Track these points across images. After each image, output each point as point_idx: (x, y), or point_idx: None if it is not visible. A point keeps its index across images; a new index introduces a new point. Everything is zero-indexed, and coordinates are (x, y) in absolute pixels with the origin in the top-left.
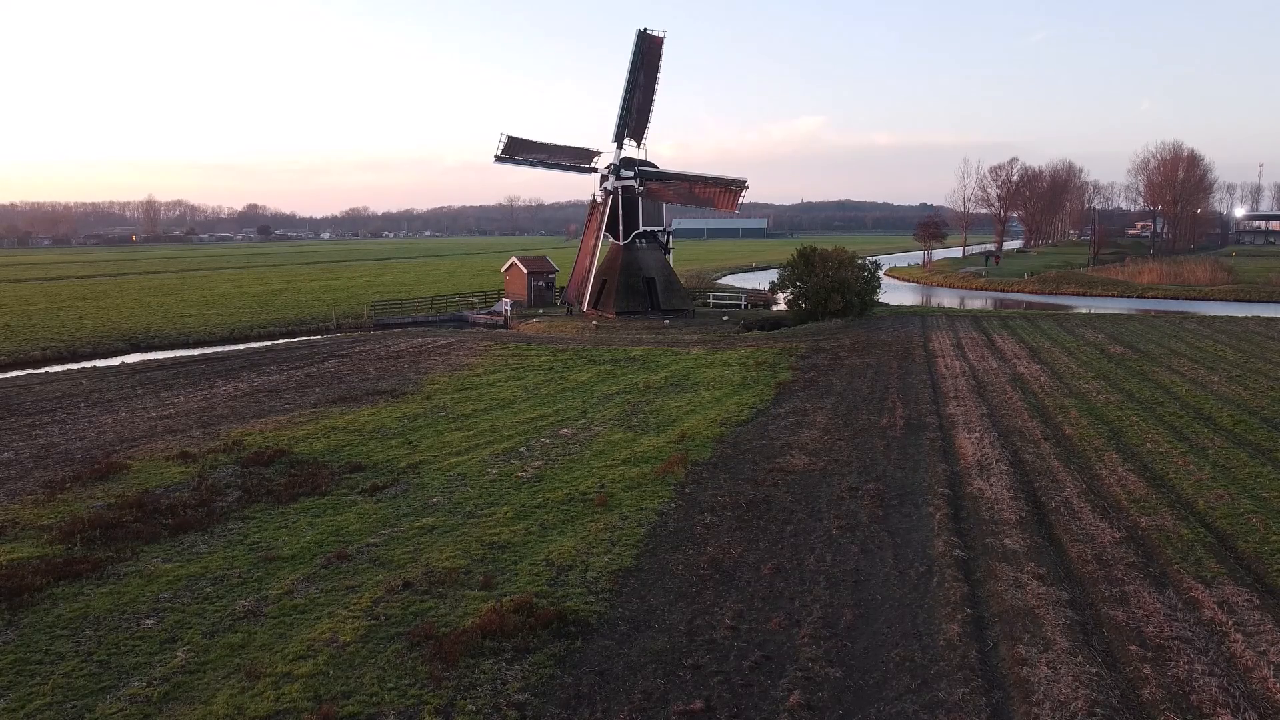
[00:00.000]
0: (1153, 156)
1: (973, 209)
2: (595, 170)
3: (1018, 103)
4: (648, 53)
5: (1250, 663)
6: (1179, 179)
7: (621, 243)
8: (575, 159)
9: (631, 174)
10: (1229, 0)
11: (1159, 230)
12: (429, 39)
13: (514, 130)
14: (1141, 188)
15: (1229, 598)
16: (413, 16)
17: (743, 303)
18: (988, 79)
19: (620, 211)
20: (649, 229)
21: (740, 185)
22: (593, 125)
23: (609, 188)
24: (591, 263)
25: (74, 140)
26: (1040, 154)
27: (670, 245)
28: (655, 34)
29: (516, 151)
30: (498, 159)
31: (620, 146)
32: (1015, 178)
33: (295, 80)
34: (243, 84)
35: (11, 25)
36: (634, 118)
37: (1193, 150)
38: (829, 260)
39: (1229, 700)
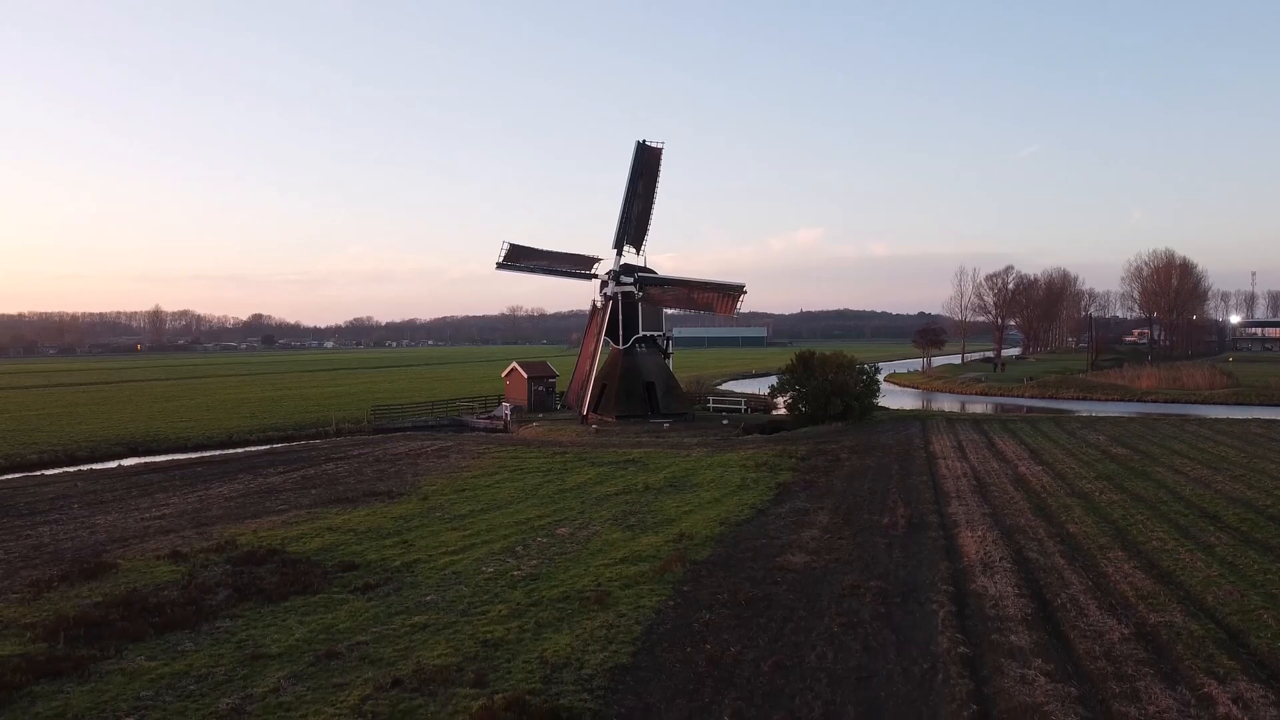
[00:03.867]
0: (1145, 265)
1: (970, 317)
2: (595, 276)
3: (1011, 214)
4: (647, 162)
5: None
6: (1173, 286)
7: (621, 347)
8: (576, 265)
9: (631, 279)
10: (1215, 115)
11: (1156, 337)
12: (434, 153)
13: (515, 238)
14: (1136, 295)
15: (1243, 694)
16: (417, 129)
17: (743, 406)
18: (982, 192)
19: (620, 316)
20: (649, 334)
21: (738, 290)
22: (593, 231)
23: (609, 293)
24: (592, 367)
25: (84, 256)
26: (1035, 263)
27: (670, 350)
28: (654, 145)
29: (518, 258)
30: (500, 266)
31: (620, 253)
32: (1011, 286)
33: (303, 196)
34: (252, 199)
35: (34, 143)
36: (633, 225)
37: (1185, 259)
38: (828, 364)
39: None
